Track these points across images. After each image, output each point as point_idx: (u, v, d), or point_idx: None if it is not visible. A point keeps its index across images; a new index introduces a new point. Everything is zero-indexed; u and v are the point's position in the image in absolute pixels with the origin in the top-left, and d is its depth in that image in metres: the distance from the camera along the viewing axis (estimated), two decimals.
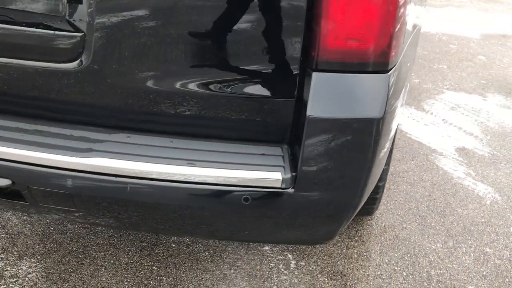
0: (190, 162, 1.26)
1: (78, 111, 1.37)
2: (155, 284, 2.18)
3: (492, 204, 2.93)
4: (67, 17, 1.24)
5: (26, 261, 2.25)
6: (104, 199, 1.31)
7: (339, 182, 1.27)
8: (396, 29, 1.21)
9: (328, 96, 1.21)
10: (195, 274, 2.25)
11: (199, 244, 2.42)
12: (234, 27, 1.21)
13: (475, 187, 3.06)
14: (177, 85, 1.29)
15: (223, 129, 1.37)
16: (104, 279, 2.19)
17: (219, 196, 1.28)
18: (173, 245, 2.41)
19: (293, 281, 2.25)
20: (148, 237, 2.44)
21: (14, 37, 1.28)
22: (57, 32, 1.25)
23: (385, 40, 1.19)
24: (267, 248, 2.43)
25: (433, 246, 2.52)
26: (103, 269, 2.24)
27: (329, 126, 1.22)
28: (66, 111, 1.38)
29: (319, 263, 2.36)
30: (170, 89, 1.29)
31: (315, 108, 1.21)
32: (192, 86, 1.29)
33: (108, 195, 1.30)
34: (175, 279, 2.21)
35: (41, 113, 1.39)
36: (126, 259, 2.30)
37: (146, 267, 2.27)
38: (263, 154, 1.32)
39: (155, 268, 2.27)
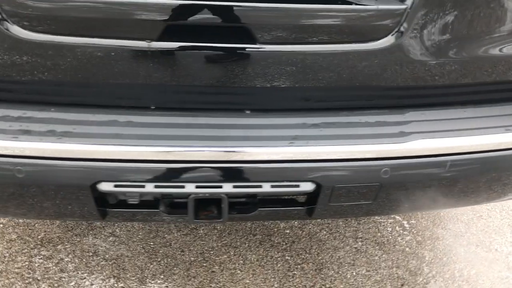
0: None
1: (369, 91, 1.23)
2: (300, 273, 2.08)
3: None
4: None
5: (152, 283, 1.98)
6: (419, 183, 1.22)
7: None
8: None
9: None
10: (329, 255, 2.19)
11: (310, 225, 2.34)
12: None
13: None
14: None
15: None
16: (247, 281, 2.03)
17: None
18: (287, 231, 2.30)
19: (417, 239, 2.31)
20: (258, 229, 2.30)
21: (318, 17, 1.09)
22: (372, 7, 1.10)
23: None
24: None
25: None
26: (238, 271, 2.07)
27: None
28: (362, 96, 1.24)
29: (426, 218, 2.45)
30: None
31: None
32: None
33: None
34: (315, 264, 2.13)
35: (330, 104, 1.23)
36: (254, 255, 2.15)
37: (278, 258, 2.15)
38: None
39: (289, 258, 2.16)
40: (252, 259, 2.14)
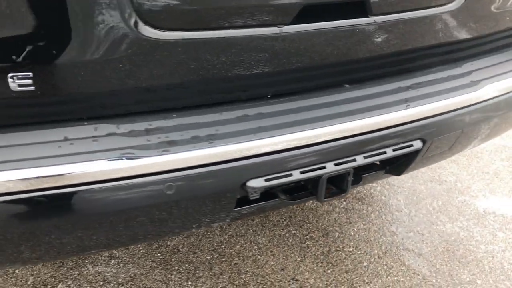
0: None
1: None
2: (312, 242, 2.18)
3: None
4: None
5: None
6: None
7: None
8: None
9: None
10: (326, 219, 2.33)
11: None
12: None
13: None
14: None
15: None
16: (272, 263, 2.06)
17: None
18: (297, 211, 2.38)
19: (386, 187, 2.58)
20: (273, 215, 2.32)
21: None
22: None
23: None
24: None
25: None
26: (258, 256, 2.08)
27: None
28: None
29: None
30: None
31: None
32: None
33: None
34: (319, 230, 2.25)
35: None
36: (263, 238, 2.19)
37: (286, 235, 2.22)
38: None
39: (294, 232, 2.24)
40: (264, 242, 2.16)
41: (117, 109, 1.02)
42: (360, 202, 2.45)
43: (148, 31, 0.95)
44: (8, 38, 0.87)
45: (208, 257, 2.06)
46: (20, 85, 0.91)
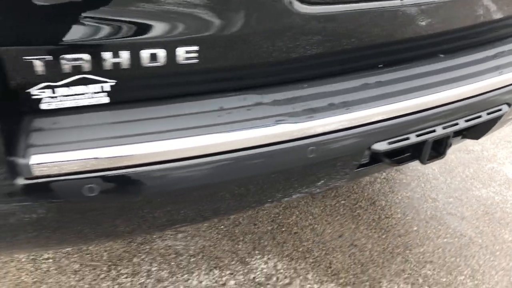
0: None
1: None
2: (362, 211, 2.30)
3: None
4: None
5: (254, 261, 1.99)
6: None
7: None
8: None
9: None
10: (371, 189, 2.45)
11: None
12: None
13: None
14: None
15: None
16: (329, 230, 2.17)
17: None
18: None
19: None
20: None
21: None
22: None
23: None
24: None
25: None
26: (315, 225, 2.19)
27: None
28: None
29: None
30: None
31: None
32: None
33: None
34: (366, 200, 2.37)
35: None
36: (316, 209, 2.29)
37: (337, 205, 2.33)
38: None
39: (343, 202, 2.35)
40: (317, 212, 2.26)
41: (260, 80, 1.10)
42: (398, 173, 2.58)
43: (300, 6, 1.02)
44: (184, 14, 0.93)
45: (269, 228, 2.15)
46: (186, 58, 0.97)
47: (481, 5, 1.33)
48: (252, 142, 1.00)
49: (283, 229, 2.15)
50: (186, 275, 1.89)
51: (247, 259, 1.98)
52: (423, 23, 1.22)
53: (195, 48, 0.97)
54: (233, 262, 1.96)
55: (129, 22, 0.90)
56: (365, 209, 2.30)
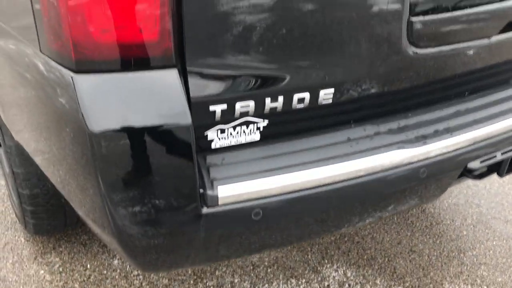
0: None
1: None
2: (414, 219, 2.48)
3: None
4: None
5: (325, 269, 2.16)
6: None
7: None
8: None
9: None
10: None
11: None
12: None
13: None
14: None
15: None
16: (387, 238, 2.34)
17: None
18: None
19: None
20: None
21: None
22: None
23: None
24: None
25: None
26: (375, 234, 2.36)
27: None
28: None
29: None
30: None
31: None
32: None
33: None
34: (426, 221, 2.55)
35: None
36: None
37: (409, 214, 2.50)
38: None
39: (414, 212, 2.52)
40: (374, 221, 2.44)
41: (375, 111, 1.28)
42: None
43: (413, 50, 1.21)
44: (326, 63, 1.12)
45: (332, 238, 2.32)
46: (324, 98, 1.16)
47: None
48: (380, 166, 1.18)
49: (346, 239, 2.32)
50: (266, 285, 2.06)
51: (318, 268, 2.15)
52: (505, 53, 1.41)
53: (332, 90, 1.16)
54: (306, 271, 2.13)
55: (287, 74, 1.08)
56: (417, 217, 2.48)
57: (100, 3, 0.87)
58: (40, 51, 0.99)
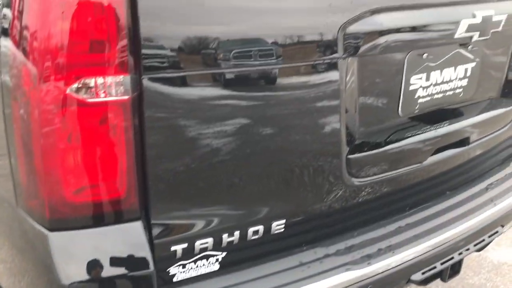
0: None
1: None
2: None
3: None
4: None
5: None
6: None
7: None
8: None
9: None
10: None
11: None
12: None
13: None
14: None
15: None
16: None
17: None
18: None
19: None
20: None
21: None
22: None
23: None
24: None
25: None
26: None
27: None
28: None
29: None
30: None
31: None
32: None
33: None
34: None
35: None
36: None
37: None
38: None
39: None
40: None
41: (323, 232, 1.42)
42: None
43: (351, 180, 1.37)
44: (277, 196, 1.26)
45: None
46: (277, 228, 1.29)
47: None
48: None
49: None
50: None
51: None
52: (437, 170, 1.60)
53: (283, 221, 1.29)
54: None
55: (241, 211, 1.22)
56: None
57: (75, 170, 0.99)
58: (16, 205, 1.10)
